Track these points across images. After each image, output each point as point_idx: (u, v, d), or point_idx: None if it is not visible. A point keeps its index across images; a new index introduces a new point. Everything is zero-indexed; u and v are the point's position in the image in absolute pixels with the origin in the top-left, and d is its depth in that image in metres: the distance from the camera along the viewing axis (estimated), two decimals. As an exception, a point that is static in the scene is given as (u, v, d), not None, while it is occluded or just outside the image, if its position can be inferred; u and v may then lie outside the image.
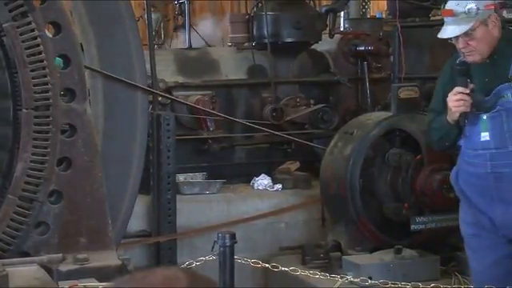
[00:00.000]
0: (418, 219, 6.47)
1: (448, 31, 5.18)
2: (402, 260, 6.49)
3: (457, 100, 5.14)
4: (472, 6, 5.05)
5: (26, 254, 4.79)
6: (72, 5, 5.68)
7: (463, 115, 5.16)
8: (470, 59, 5.18)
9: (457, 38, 5.12)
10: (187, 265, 4.73)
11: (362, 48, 9.75)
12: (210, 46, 11.81)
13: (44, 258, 4.68)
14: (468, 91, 5.13)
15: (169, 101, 8.91)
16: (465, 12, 5.07)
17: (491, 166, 5.18)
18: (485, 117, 5.14)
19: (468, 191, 5.35)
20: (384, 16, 10.91)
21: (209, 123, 9.27)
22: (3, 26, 4.75)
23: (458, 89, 5.16)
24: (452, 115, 5.19)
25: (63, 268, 4.55)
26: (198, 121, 9.29)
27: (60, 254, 4.70)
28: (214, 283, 1.49)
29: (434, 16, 9.72)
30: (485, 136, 5.18)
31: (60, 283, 4.36)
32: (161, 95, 8.40)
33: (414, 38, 9.19)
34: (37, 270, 4.52)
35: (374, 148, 6.89)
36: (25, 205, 4.83)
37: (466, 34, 5.08)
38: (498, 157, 5.17)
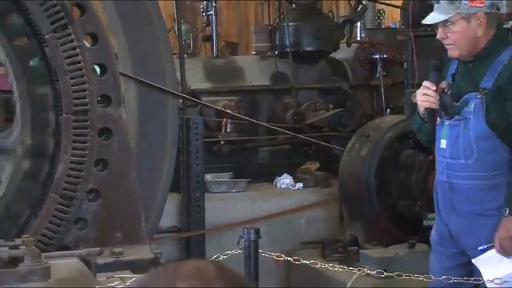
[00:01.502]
0: (429, 215, 6.43)
1: (429, 18, 4.85)
2: (415, 254, 6.47)
3: (422, 94, 4.79)
4: None
5: (67, 248, 4.82)
6: (108, 17, 5.70)
7: (428, 111, 4.79)
8: (449, 53, 4.82)
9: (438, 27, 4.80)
10: (215, 258, 4.73)
11: (377, 56, 9.74)
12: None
13: (83, 251, 4.69)
14: (434, 88, 4.75)
15: (198, 105, 8.92)
16: (448, 1, 4.71)
17: (447, 175, 4.87)
18: (447, 123, 4.82)
19: (436, 197, 5.06)
20: (398, 26, 10.87)
21: (229, 125, 9.29)
22: (45, 37, 4.78)
23: (425, 83, 4.81)
24: (419, 109, 4.88)
25: (100, 261, 4.57)
26: (225, 124, 9.31)
27: (97, 248, 4.71)
28: (239, 275, 1.49)
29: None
30: (443, 143, 4.86)
31: (98, 275, 4.37)
32: (191, 100, 8.42)
33: (426, 47, 9.17)
34: (76, 262, 4.53)
35: (388, 149, 6.88)
36: (65, 202, 4.86)
37: (445, 24, 4.73)
38: (452, 167, 4.83)
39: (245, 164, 9.28)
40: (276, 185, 8.98)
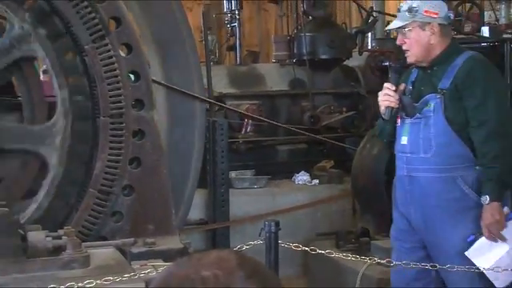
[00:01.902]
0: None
1: (390, 24, 4.99)
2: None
3: (383, 94, 4.86)
4: (413, 6, 4.77)
5: (104, 239, 4.83)
6: (140, 29, 5.72)
7: (388, 110, 4.83)
8: (407, 59, 4.89)
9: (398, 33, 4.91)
10: (238, 248, 4.72)
11: (387, 63, 9.71)
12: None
13: (119, 241, 4.72)
14: (394, 88, 4.82)
15: (222, 109, 8.95)
16: (406, 10, 4.79)
17: (407, 169, 4.88)
18: (408, 122, 4.84)
19: (396, 193, 5.07)
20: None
21: (249, 127, 9.31)
22: (85, 47, 4.80)
23: (386, 84, 4.88)
24: (380, 109, 4.92)
25: (135, 250, 4.59)
26: (240, 124, 9.34)
27: (132, 239, 4.73)
28: (259, 263, 1.49)
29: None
30: (404, 140, 4.87)
31: (132, 263, 4.39)
32: (216, 104, 8.43)
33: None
34: (113, 251, 4.55)
35: (397, 149, 6.87)
36: (103, 197, 4.88)
37: (402, 31, 4.82)
38: (412, 161, 4.84)
39: (266, 162, 9.29)
40: (294, 181, 8.99)
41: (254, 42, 17.50)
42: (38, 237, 4.23)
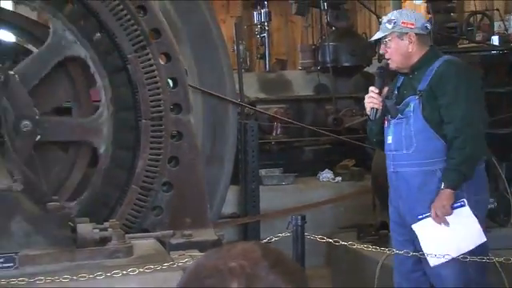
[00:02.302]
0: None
1: (374, 35, 5.07)
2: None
3: (368, 97, 4.97)
4: (392, 18, 4.86)
5: (146, 231, 4.83)
6: (179, 39, 5.73)
7: (373, 111, 4.92)
8: (390, 66, 4.98)
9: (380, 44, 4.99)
10: (267, 240, 4.72)
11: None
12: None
13: (159, 233, 4.72)
14: (377, 91, 4.93)
15: (253, 112, 8.95)
16: (386, 22, 4.89)
17: (393, 165, 4.95)
18: (392, 122, 4.89)
19: (389, 189, 5.13)
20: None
21: (279, 129, 9.31)
22: (128, 56, 4.83)
23: (370, 88, 4.99)
24: (366, 110, 5.03)
25: (173, 241, 4.59)
26: (275, 128, 9.34)
27: (171, 231, 4.73)
28: (282, 253, 1.48)
29: (460, 44, 9.59)
30: (389, 139, 4.94)
31: (171, 253, 4.40)
32: (247, 107, 8.44)
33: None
34: (154, 242, 4.57)
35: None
36: (144, 193, 4.89)
37: (383, 41, 4.90)
38: (396, 158, 4.90)
39: (293, 161, 9.30)
40: (319, 178, 8.99)
41: (281, 51, 17.50)
42: (86, 229, 4.26)
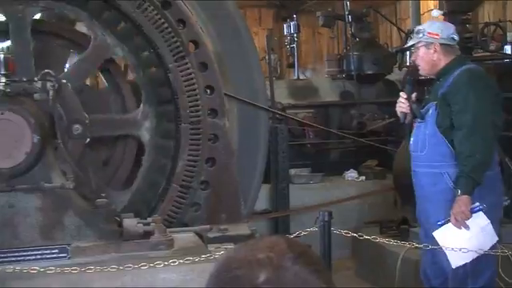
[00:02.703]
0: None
1: (407, 43, 5.13)
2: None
3: (398, 102, 5.01)
4: (420, 29, 4.92)
5: (185, 225, 4.85)
6: (214, 50, 5.74)
7: (402, 114, 4.99)
8: (420, 72, 5.04)
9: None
10: (296, 234, 4.71)
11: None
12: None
13: (197, 228, 4.73)
14: (405, 97, 4.95)
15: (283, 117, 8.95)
16: (415, 32, 4.95)
17: (413, 165, 4.99)
18: (416, 125, 4.94)
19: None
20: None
21: (311, 133, 9.30)
22: (169, 66, 4.85)
23: (401, 93, 5.04)
24: (398, 114, 5.09)
25: (210, 235, 4.60)
26: (304, 131, 9.33)
27: (208, 226, 4.74)
28: (306, 246, 1.48)
29: (475, 53, 9.51)
30: (411, 140, 4.99)
31: (208, 246, 4.41)
32: (278, 113, 8.44)
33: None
34: (192, 236, 4.58)
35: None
36: (184, 191, 4.90)
37: (413, 49, 4.97)
38: (415, 158, 4.95)
39: (320, 161, 9.28)
40: (344, 177, 8.97)
41: (309, 60, 17.47)
42: (131, 223, 4.29)
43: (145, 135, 5.02)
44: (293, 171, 8.63)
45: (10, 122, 4.06)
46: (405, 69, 10.41)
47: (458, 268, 4.75)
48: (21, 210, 4.13)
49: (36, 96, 4.43)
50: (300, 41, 13.20)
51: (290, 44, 12.69)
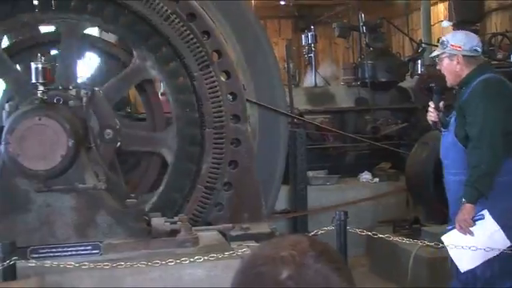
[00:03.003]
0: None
1: (432, 53, 5.03)
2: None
3: (427, 111, 4.91)
4: (444, 40, 4.80)
5: (209, 224, 4.86)
6: (237, 59, 5.75)
7: (432, 123, 4.90)
8: (447, 82, 4.91)
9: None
10: (314, 233, 4.69)
11: (433, 85, 9.56)
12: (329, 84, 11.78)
13: (220, 226, 4.74)
14: (433, 106, 4.85)
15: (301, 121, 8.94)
16: (440, 43, 4.85)
17: (444, 171, 4.89)
18: (443, 133, 4.84)
19: None
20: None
21: (330, 137, 9.28)
22: (194, 74, 4.87)
23: (430, 103, 4.92)
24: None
25: (233, 233, 4.60)
26: (321, 135, 9.31)
27: (231, 224, 4.75)
28: (326, 244, 1.47)
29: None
30: (441, 148, 4.89)
31: (231, 243, 4.41)
32: (296, 118, 8.43)
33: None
34: (216, 234, 4.59)
35: (442, 153, 6.74)
36: (208, 192, 4.91)
37: (438, 59, 4.85)
38: (444, 165, 4.87)
39: (336, 164, 9.25)
40: (359, 179, 8.93)
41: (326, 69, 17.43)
42: (159, 222, 4.31)
43: (169, 154, 5.02)
44: (310, 173, 8.60)
45: (46, 127, 4.10)
46: (416, 77, 10.39)
47: (487, 269, 4.66)
48: (57, 209, 4.17)
49: (71, 103, 4.47)
50: (317, 50, 13.18)
51: (308, 53, 12.68)
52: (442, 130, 4.85)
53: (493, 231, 4.60)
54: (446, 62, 4.79)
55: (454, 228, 4.66)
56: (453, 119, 4.73)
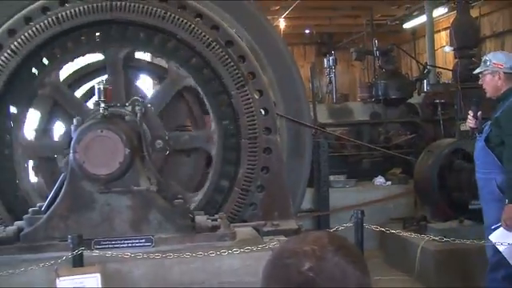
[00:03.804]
0: (473, 202, 6.16)
1: (476, 70, 4.94)
2: (464, 226, 6.24)
3: (467, 119, 4.91)
4: (487, 58, 4.77)
5: (245, 221, 4.85)
6: (268, 80, 5.72)
7: (470, 130, 4.91)
8: (486, 95, 4.85)
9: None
10: (335, 229, 4.64)
11: (438, 101, 9.47)
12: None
13: (254, 223, 4.73)
14: (472, 114, 4.82)
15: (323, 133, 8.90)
16: (483, 60, 4.81)
17: (476, 172, 4.86)
18: (478, 138, 4.81)
19: None
20: (450, 82, 10.55)
21: (348, 147, 9.24)
22: (232, 93, 4.87)
23: (469, 112, 4.90)
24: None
25: (265, 229, 4.59)
26: (340, 145, 9.27)
27: (263, 221, 4.74)
28: (345, 239, 1.46)
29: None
30: (474, 151, 4.88)
31: (264, 238, 4.40)
32: (320, 130, 8.40)
33: (469, 95, 8.84)
34: (251, 230, 4.58)
35: (446, 160, 6.65)
36: (243, 193, 4.89)
37: (480, 75, 4.79)
38: (476, 166, 4.85)
39: (354, 169, 9.19)
40: (374, 183, 8.87)
41: (345, 87, 17.38)
42: (201, 219, 4.31)
43: (213, 148, 5.03)
44: (332, 177, 8.56)
45: (107, 138, 4.13)
46: (422, 94, 10.29)
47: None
48: (116, 208, 4.19)
49: (127, 118, 4.50)
50: (337, 72, 13.14)
51: (329, 74, 12.67)
52: (477, 135, 4.82)
53: None
54: (488, 77, 4.75)
55: (499, 227, 4.55)
56: (486, 127, 4.72)
